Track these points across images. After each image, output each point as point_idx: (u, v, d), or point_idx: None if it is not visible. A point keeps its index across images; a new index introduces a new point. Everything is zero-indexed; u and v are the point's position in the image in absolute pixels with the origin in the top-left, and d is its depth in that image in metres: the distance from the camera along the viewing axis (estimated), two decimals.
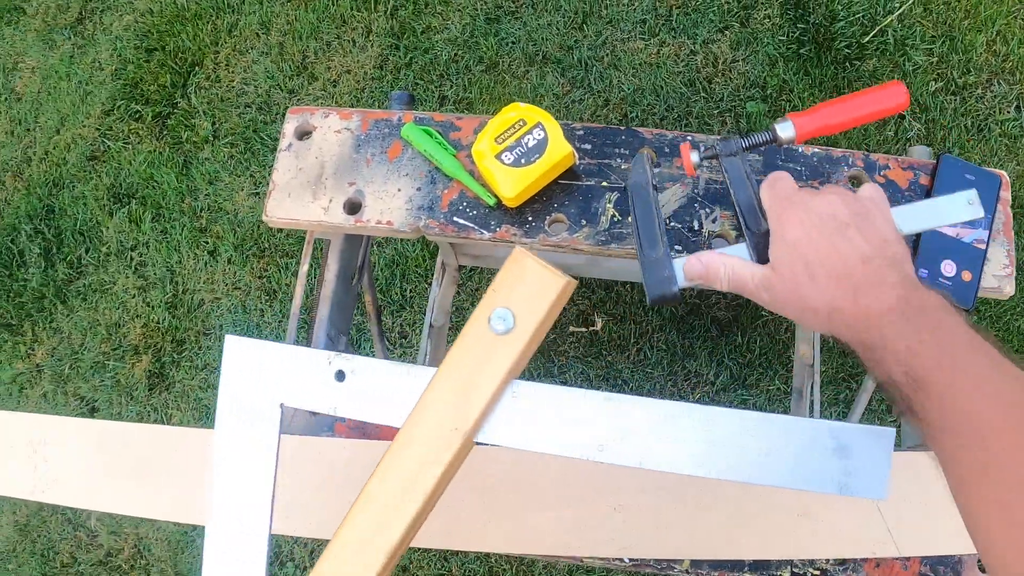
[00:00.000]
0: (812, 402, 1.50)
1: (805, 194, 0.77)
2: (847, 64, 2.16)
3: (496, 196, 1.05)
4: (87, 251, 2.36)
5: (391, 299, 2.14)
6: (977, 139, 2.09)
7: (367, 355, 2.01)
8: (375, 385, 0.73)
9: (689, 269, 0.83)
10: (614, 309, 2.07)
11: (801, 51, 2.18)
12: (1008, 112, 2.10)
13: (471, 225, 1.07)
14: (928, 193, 1.06)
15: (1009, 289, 1.03)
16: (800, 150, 1.07)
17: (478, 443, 0.71)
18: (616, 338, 2.06)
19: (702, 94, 2.18)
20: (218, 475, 0.75)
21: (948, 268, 1.02)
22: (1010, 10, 2.16)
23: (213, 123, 2.38)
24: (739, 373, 2.00)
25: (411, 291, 2.15)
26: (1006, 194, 1.05)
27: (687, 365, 2.02)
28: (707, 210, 1.05)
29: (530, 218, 1.06)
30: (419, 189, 1.09)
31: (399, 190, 1.09)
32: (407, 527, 0.68)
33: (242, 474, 0.75)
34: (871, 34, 2.17)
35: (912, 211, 0.85)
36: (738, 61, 2.20)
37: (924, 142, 2.07)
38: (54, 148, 2.50)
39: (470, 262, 1.33)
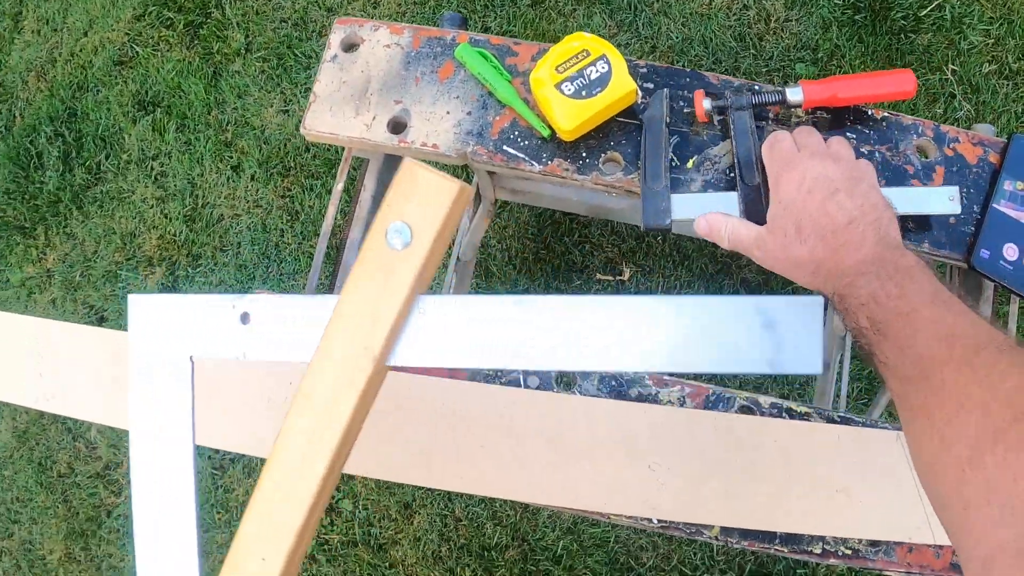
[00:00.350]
0: (840, 373, 1.47)
1: (803, 156, 0.84)
2: (902, 36, 2.09)
3: (551, 128, 1.00)
4: (107, 157, 2.31)
5: None
6: None
7: None
8: (281, 322, 0.70)
9: (696, 227, 0.92)
10: (643, 260, 2.03)
11: (856, 17, 2.11)
12: None
13: (521, 156, 1.01)
14: (996, 172, 1.01)
15: None
16: (871, 113, 1.02)
17: (392, 367, 0.68)
18: (643, 290, 2.02)
19: (751, 51, 2.11)
20: (136, 440, 0.74)
21: (1010, 252, 0.98)
22: None
23: (246, 36, 2.31)
24: None
25: None
26: None
27: None
28: None
29: (584, 154, 1.01)
30: (469, 113, 1.04)
31: (448, 112, 1.04)
32: (330, 460, 0.66)
33: (158, 433, 0.73)
34: (929, 7, 2.10)
35: (895, 193, 0.93)
36: (791, 21, 2.13)
37: (974, 123, 2.02)
38: (80, 50, 2.43)
39: (508, 196, 1.27)
